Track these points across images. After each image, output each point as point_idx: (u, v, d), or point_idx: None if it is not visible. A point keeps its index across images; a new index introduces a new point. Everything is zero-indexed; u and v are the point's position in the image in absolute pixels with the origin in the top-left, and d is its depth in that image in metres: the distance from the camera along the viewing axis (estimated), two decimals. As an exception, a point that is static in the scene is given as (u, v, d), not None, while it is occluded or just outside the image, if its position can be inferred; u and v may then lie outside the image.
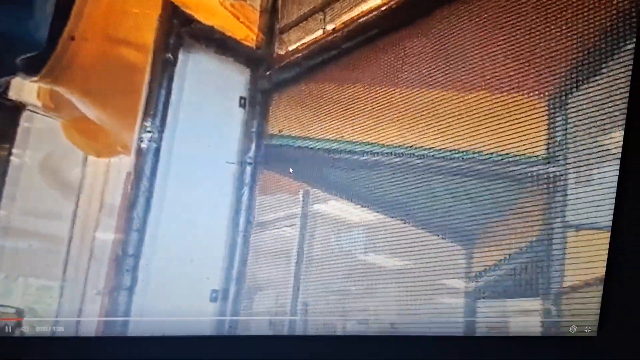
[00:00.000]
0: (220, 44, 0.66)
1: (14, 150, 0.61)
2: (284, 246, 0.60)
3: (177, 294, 0.60)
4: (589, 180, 0.50)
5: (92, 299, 0.59)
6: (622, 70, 0.47)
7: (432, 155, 0.60)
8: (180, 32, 0.63)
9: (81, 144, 0.65)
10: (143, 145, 0.67)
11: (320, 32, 0.67)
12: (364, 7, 0.63)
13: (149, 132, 0.66)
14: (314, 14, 0.66)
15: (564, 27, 0.50)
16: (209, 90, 0.68)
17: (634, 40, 0.46)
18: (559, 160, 0.53)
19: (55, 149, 0.64)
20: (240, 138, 0.71)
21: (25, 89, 0.61)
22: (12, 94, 0.61)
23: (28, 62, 0.60)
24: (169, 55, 0.64)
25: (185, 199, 0.65)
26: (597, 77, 0.51)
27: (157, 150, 0.67)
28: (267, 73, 0.69)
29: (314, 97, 0.69)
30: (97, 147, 0.66)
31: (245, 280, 0.64)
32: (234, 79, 0.69)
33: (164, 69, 0.65)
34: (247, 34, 0.67)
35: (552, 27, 0.51)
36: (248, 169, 0.71)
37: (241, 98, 0.70)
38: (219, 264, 0.65)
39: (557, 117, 0.52)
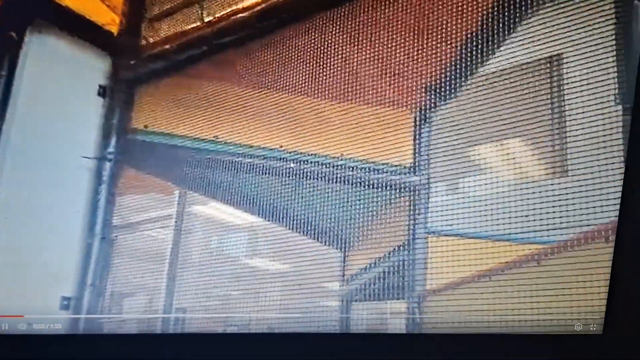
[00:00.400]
0: (76, 26, 0.58)
1: None
2: (157, 249, 0.56)
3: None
4: (451, 190, 0.55)
5: None
6: (485, 86, 0.52)
7: (307, 160, 0.61)
8: (26, 12, 0.54)
9: None
10: None
11: (195, 24, 0.63)
12: (243, 4, 0.61)
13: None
14: (191, 4, 0.62)
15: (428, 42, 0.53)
16: (61, 76, 0.60)
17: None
18: (423, 170, 0.56)
19: None
20: (99, 130, 0.64)
21: None
22: None
23: None
24: (12, 33, 0.55)
25: (35, 198, 0.57)
26: (460, 93, 0.55)
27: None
28: (132, 62, 0.64)
29: (184, 92, 0.65)
30: None
31: (105, 285, 0.58)
32: (92, 66, 0.62)
33: (3, 49, 0.55)
34: (113, 17, 0.61)
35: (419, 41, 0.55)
36: (107, 165, 0.65)
37: (100, 87, 0.63)
38: (72, 270, 0.59)
39: (423, 129, 0.56)
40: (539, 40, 0.58)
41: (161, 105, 0.65)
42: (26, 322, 0.56)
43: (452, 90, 0.56)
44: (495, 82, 0.57)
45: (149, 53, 0.64)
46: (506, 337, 0.61)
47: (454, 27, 0.55)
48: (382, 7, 0.55)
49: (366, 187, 0.60)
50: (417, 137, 0.59)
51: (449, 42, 0.54)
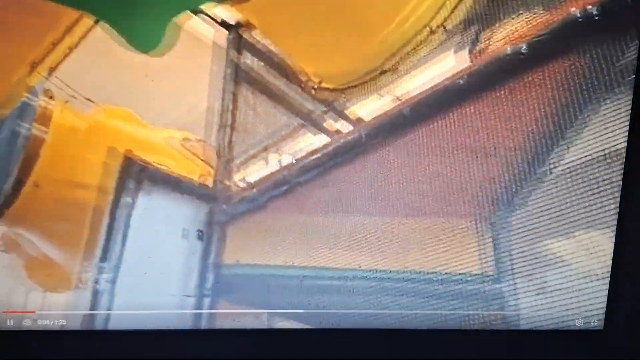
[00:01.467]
0: (177, 185, 0.69)
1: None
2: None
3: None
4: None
5: None
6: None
7: (388, 277, 0.63)
8: (139, 176, 0.66)
9: (38, 280, 0.64)
10: (99, 286, 0.66)
11: (271, 168, 0.72)
12: (312, 148, 0.69)
13: (106, 272, 0.65)
14: (266, 150, 0.71)
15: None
16: (168, 227, 0.70)
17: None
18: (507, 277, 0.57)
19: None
20: (199, 270, 0.71)
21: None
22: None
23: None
24: (129, 198, 0.66)
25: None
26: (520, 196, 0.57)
27: (113, 290, 0.68)
28: (224, 207, 0.72)
29: (268, 226, 0.71)
30: (54, 283, 0.65)
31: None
32: (194, 214, 0.71)
33: (122, 211, 0.66)
34: (204, 172, 0.70)
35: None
36: (206, 301, 0.71)
37: (199, 231, 0.71)
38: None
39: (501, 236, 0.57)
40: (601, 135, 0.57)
41: (250, 240, 0.71)
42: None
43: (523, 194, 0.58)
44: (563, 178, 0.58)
45: (238, 197, 0.72)
46: (507, 332, 0.60)
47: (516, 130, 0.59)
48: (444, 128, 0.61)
49: (451, 297, 0.61)
50: (495, 244, 0.60)
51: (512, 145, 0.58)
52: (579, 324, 0.59)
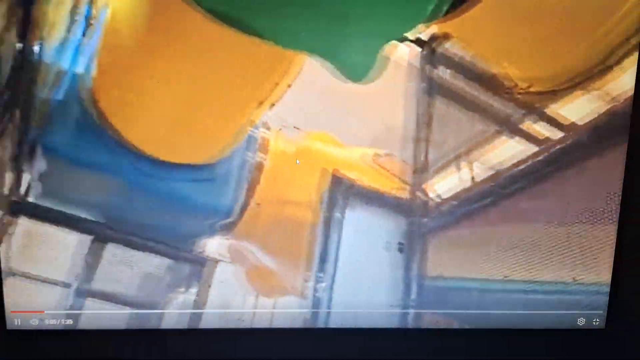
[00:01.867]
0: (378, 200, 0.71)
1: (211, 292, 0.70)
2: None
3: None
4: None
5: None
6: None
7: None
8: (346, 195, 0.70)
9: (256, 286, 0.71)
10: (318, 294, 0.71)
11: (470, 179, 0.69)
12: (514, 155, 0.64)
13: (324, 282, 0.70)
14: (460, 161, 0.68)
15: None
16: (371, 240, 0.72)
17: None
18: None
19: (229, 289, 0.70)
20: (402, 283, 0.72)
21: (217, 246, 0.70)
22: (207, 251, 0.70)
23: (224, 226, 0.69)
24: (338, 214, 0.70)
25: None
26: None
27: (330, 297, 0.72)
28: (424, 220, 0.71)
29: (473, 238, 0.72)
30: (269, 289, 0.72)
31: None
32: (394, 228, 0.72)
33: (333, 226, 0.71)
34: (399, 185, 0.71)
35: None
36: (411, 311, 0.72)
37: (400, 243, 0.72)
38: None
39: None
40: None
41: (453, 253, 0.69)
42: None
43: None
44: None
45: (436, 210, 0.71)
46: (509, 331, 0.60)
47: None
48: None
49: None
50: None
51: None
52: (580, 322, 0.59)
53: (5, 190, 0.63)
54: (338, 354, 0.75)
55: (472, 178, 0.71)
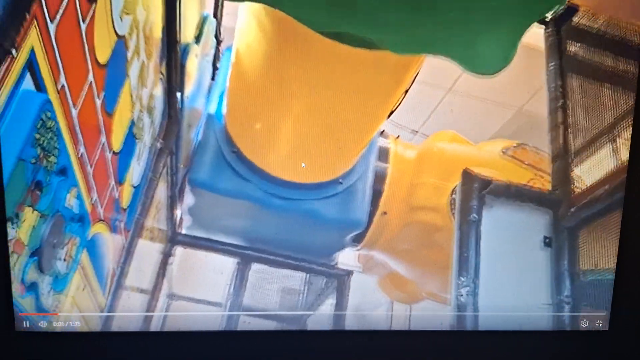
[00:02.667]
0: (516, 194, 0.65)
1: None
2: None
3: None
4: None
5: None
6: None
7: None
8: (480, 194, 0.66)
9: (390, 294, 0.70)
10: (462, 298, 0.67)
11: (613, 164, 0.60)
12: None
13: (466, 286, 0.66)
14: (604, 141, 0.60)
15: None
16: (513, 237, 0.66)
17: None
18: None
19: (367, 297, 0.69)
20: (553, 279, 0.65)
21: (348, 258, 0.70)
22: (339, 263, 0.70)
23: (353, 238, 0.69)
24: (474, 215, 0.66)
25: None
26: None
27: (475, 302, 0.67)
28: (571, 211, 0.64)
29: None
30: (403, 295, 0.70)
31: None
32: (536, 222, 0.65)
33: (470, 228, 0.67)
34: (534, 176, 0.64)
35: None
36: (566, 307, 0.65)
37: (545, 237, 0.65)
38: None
39: None
40: None
41: (606, 243, 0.63)
42: None
43: None
44: None
45: (582, 200, 0.63)
46: (515, 333, 0.61)
47: None
48: None
49: None
50: None
51: None
52: (584, 325, 0.59)
53: (163, 226, 0.70)
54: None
55: (619, 158, 0.61)
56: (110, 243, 0.64)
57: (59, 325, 0.63)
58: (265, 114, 0.65)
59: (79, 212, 0.61)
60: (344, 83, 0.63)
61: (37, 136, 0.56)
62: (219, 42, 0.62)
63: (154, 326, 0.67)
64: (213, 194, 0.68)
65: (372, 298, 0.70)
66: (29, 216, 0.57)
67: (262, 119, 0.65)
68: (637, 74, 0.59)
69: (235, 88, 0.64)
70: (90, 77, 0.57)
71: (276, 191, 0.67)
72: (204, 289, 0.69)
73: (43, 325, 0.62)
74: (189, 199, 0.68)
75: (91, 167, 0.61)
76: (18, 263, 0.58)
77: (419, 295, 0.69)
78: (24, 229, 0.57)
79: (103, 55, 0.58)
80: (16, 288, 0.59)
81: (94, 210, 0.62)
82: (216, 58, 0.63)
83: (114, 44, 0.58)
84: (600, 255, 0.64)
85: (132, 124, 0.62)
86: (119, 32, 0.58)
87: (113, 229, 0.64)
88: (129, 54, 0.60)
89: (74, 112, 0.57)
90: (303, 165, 0.65)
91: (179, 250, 0.70)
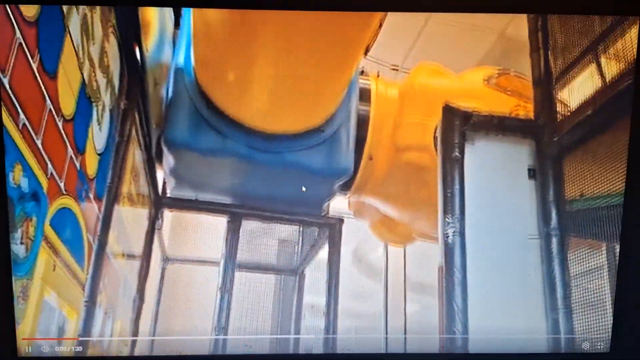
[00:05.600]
0: (498, 126, 0.58)
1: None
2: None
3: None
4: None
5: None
6: None
7: None
8: (462, 130, 0.58)
9: (383, 237, 0.64)
10: (449, 239, 0.60)
11: (599, 83, 0.53)
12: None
13: (452, 226, 0.60)
14: (587, 60, 0.53)
15: None
16: (496, 171, 0.60)
17: None
18: None
19: (361, 242, 0.63)
20: (539, 210, 0.59)
21: (338, 205, 0.63)
22: (332, 212, 0.64)
23: (342, 186, 0.62)
24: (456, 153, 0.59)
25: (497, 281, 0.57)
26: None
27: (463, 241, 0.61)
28: (555, 139, 0.57)
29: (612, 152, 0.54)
30: (395, 237, 0.64)
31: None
32: (520, 153, 0.59)
33: (453, 166, 0.60)
34: (518, 104, 0.57)
35: None
36: (554, 240, 0.58)
37: (529, 170, 0.59)
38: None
39: None
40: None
41: (593, 170, 0.55)
42: None
43: None
44: None
45: (567, 126, 0.56)
46: (516, 356, 0.56)
47: None
48: None
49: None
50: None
51: None
52: (585, 347, 0.55)
53: (145, 191, 0.62)
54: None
55: (603, 76, 0.54)
56: (81, 216, 0.57)
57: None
58: (236, 63, 0.56)
59: (31, 189, 0.52)
60: (310, 26, 0.55)
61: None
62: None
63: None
64: (193, 153, 0.60)
65: (365, 243, 0.63)
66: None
67: (234, 69, 0.56)
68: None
69: (201, 35, 0.54)
70: (19, 36, 0.48)
71: (258, 145, 0.60)
72: (199, 249, 0.63)
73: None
74: (168, 160, 0.60)
75: (38, 137, 0.51)
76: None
77: (410, 236, 0.63)
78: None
79: (30, 10, 0.48)
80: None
81: (53, 184, 0.54)
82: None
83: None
84: (585, 183, 0.58)
85: (84, 84, 0.53)
86: (47, -14, 0.49)
87: (80, 200, 0.56)
88: (65, 7, 0.50)
89: (4, 79, 0.48)
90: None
91: (166, 214, 0.62)
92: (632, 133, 0.54)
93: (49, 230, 0.54)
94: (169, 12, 0.54)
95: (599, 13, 0.52)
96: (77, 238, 0.57)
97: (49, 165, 0.53)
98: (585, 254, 0.59)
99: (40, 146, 0.51)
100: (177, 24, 0.54)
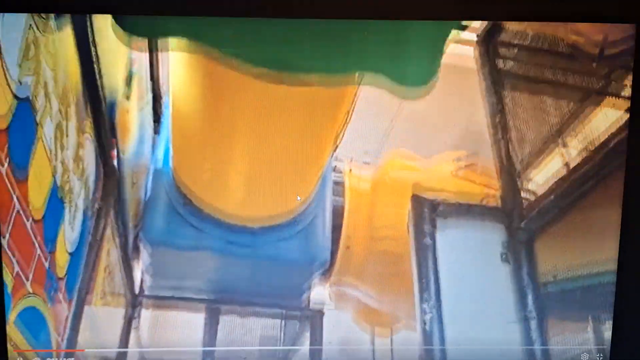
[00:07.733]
0: (467, 213, 0.56)
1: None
2: None
3: None
4: None
5: None
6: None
7: None
8: (431, 217, 0.56)
9: (366, 327, 0.59)
10: (426, 327, 0.56)
11: (563, 170, 0.52)
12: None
13: (429, 313, 0.56)
14: (552, 147, 0.52)
15: None
16: (470, 256, 0.57)
17: None
18: None
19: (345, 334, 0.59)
20: (515, 294, 0.56)
21: (320, 297, 0.59)
22: (312, 304, 0.59)
23: (320, 275, 0.59)
24: (427, 239, 0.57)
25: None
26: None
27: (441, 327, 0.57)
28: (522, 224, 0.55)
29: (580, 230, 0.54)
30: (379, 328, 0.60)
31: None
32: (491, 238, 0.57)
33: (425, 253, 0.57)
34: (487, 193, 0.56)
35: None
36: (533, 323, 0.55)
37: (502, 254, 0.56)
38: None
39: None
40: None
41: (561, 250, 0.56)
42: None
43: None
44: None
45: (534, 210, 0.54)
46: None
47: None
48: None
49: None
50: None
51: None
52: (584, 358, 0.52)
53: (120, 290, 0.57)
54: None
55: (567, 164, 0.54)
56: (50, 316, 0.53)
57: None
58: (211, 161, 0.55)
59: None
60: (281, 122, 0.55)
61: None
62: (157, 97, 0.52)
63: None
64: (170, 249, 0.56)
65: (349, 336, 0.59)
66: None
67: (209, 167, 0.55)
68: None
69: (178, 138, 0.54)
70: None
71: (234, 238, 0.56)
72: (177, 346, 0.58)
73: None
74: (145, 257, 0.56)
75: (4, 238, 0.50)
76: None
77: (391, 323, 0.58)
78: None
79: (1, 121, 0.50)
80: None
81: (19, 284, 0.51)
82: (157, 112, 0.53)
83: (14, 109, 0.50)
84: (556, 264, 0.56)
85: (55, 187, 0.52)
86: (20, 96, 0.50)
87: (50, 300, 0.53)
88: (38, 117, 0.51)
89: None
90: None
91: (143, 313, 0.57)
92: (629, 134, 0.53)
93: (12, 330, 0.51)
94: (149, 120, 0.53)
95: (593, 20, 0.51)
96: (46, 338, 0.53)
97: (15, 265, 0.50)
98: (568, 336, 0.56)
99: (6, 246, 0.50)
100: (156, 131, 0.53)
